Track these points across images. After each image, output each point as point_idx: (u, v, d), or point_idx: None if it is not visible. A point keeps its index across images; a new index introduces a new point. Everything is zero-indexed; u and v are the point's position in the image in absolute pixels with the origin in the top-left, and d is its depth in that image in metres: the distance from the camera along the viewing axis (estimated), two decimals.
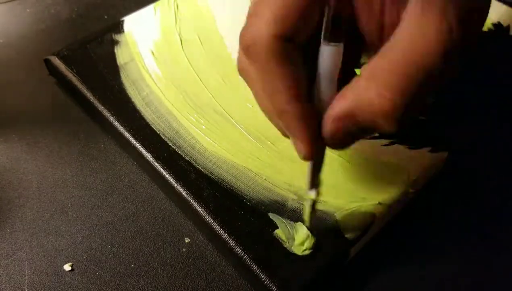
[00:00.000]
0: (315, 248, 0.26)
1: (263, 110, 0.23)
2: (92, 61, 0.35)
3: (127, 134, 0.31)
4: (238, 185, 0.28)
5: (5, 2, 0.44)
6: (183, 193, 0.28)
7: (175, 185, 0.28)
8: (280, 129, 0.24)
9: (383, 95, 0.18)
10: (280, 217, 0.27)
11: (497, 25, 0.39)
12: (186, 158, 0.30)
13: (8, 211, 0.30)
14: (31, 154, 0.33)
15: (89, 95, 0.33)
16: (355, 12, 0.21)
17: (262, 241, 0.26)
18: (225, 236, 0.26)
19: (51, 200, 0.30)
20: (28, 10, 0.44)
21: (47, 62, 0.36)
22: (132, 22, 0.38)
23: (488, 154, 0.34)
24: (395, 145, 0.31)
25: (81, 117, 0.35)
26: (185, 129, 0.31)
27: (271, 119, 0.23)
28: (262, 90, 0.22)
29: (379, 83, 0.19)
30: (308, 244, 0.25)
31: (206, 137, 0.31)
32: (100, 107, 0.32)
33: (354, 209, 0.27)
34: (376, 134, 0.31)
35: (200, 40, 0.37)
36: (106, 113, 0.32)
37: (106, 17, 0.43)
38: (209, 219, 0.27)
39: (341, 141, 0.22)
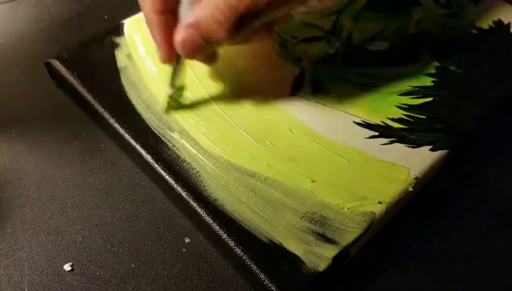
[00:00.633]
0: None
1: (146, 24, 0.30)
2: (92, 64, 0.35)
3: (127, 137, 0.31)
4: (238, 186, 0.28)
5: (5, 2, 0.44)
6: (183, 194, 0.28)
7: (175, 186, 0.28)
8: (154, 41, 0.30)
9: (219, 10, 0.25)
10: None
11: (498, 23, 0.38)
12: (186, 159, 0.30)
13: (8, 211, 0.30)
14: (31, 154, 0.33)
15: (89, 98, 0.33)
16: None
17: (262, 241, 0.26)
18: (224, 236, 0.26)
19: (51, 200, 0.30)
20: (28, 10, 0.44)
21: (48, 65, 0.36)
22: (133, 25, 0.38)
23: (488, 152, 0.34)
24: (395, 144, 0.30)
25: (81, 117, 0.35)
26: (184, 131, 0.31)
27: (150, 31, 0.30)
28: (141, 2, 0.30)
29: (216, 2, 0.26)
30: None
31: (206, 139, 0.31)
32: (101, 110, 0.32)
33: (354, 208, 0.27)
34: (376, 134, 0.31)
35: None
36: (107, 116, 0.32)
37: (106, 17, 0.43)
38: (209, 219, 0.27)
39: (188, 48, 0.28)
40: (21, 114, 0.35)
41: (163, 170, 0.29)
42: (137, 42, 0.37)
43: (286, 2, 0.27)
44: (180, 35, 0.27)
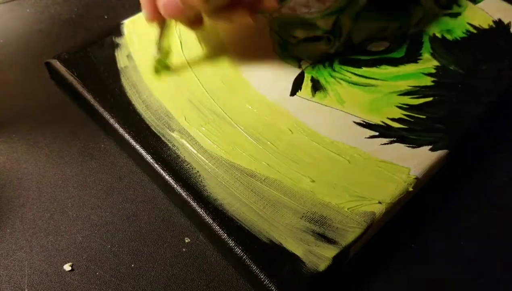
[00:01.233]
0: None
1: None
2: (92, 64, 0.35)
3: (127, 136, 0.31)
4: (238, 185, 0.28)
5: (5, 2, 0.44)
6: (183, 194, 0.28)
7: (175, 185, 0.28)
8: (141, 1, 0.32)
9: None
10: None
11: (498, 23, 0.38)
12: (186, 159, 0.30)
13: (8, 211, 0.30)
14: (31, 154, 0.33)
15: (89, 98, 0.33)
16: None
17: (262, 241, 0.26)
18: (224, 236, 0.26)
19: (51, 200, 0.30)
20: (28, 10, 0.44)
21: (48, 65, 0.36)
22: (133, 25, 0.38)
23: (488, 152, 0.34)
24: (395, 144, 0.30)
25: (81, 117, 0.35)
26: (184, 131, 0.31)
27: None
28: None
29: None
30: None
31: (206, 139, 0.31)
32: (101, 110, 0.32)
33: (354, 208, 0.27)
34: (376, 134, 0.31)
35: (199, 42, 0.37)
36: (107, 116, 0.32)
37: (106, 17, 0.43)
38: (209, 219, 0.27)
39: (169, 11, 0.31)
40: (21, 114, 0.35)
41: (163, 169, 0.29)
42: (137, 43, 0.37)
43: None
44: None
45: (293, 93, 0.33)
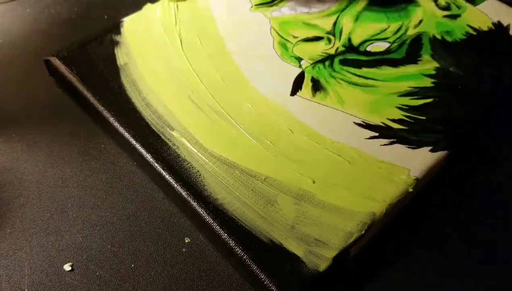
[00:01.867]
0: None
1: None
2: (92, 62, 0.35)
3: (127, 135, 0.31)
4: (238, 185, 0.28)
5: (5, 2, 0.44)
6: (183, 193, 0.28)
7: (175, 185, 0.28)
8: None
9: None
10: None
11: (497, 25, 0.39)
12: (186, 158, 0.30)
13: (8, 211, 0.30)
14: (31, 154, 0.33)
15: (89, 96, 0.33)
16: None
17: (262, 241, 0.26)
18: (225, 236, 0.26)
19: (51, 200, 0.30)
20: (28, 10, 0.44)
21: (48, 63, 0.36)
22: (132, 23, 0.38)
23: (488, 152, 0.34)
24: (395, 145, 0.31)
25: (81, 117, 0.35)
26: (185, 129, 0.31)
27: None
28: None
29: None
30: None
31: (206, 138, 0.31)
32: (100, 108, 0.32)
33: (354, 208, 0.27)
34: (376, 134, 0.31)
35: (200, 41, 0.37)
36: (106, 114, 0.32)
37: (106, 17, 0.43)
38: (209, 219, 0.27)
39: None
40: (21, 114, 0.35)
41: (163, 169, 0.29)
42: (137, 40, 0.37)
43: None
44: None
45: (293, 93, 0.34)
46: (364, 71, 0.35)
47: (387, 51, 0.37)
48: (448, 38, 0.38)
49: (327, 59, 0.36)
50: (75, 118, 0.35)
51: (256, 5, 0.40)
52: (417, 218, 0.30)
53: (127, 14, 0.39)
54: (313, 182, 0.29)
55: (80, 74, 0.34)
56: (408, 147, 0.30)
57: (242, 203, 0.28)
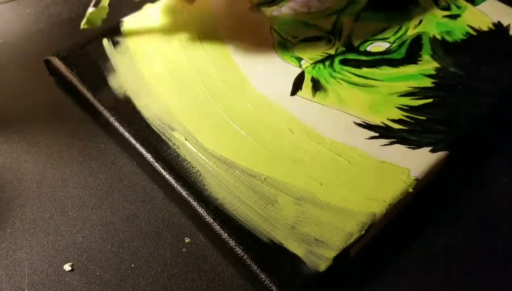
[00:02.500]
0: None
1: None
2: (92, 61, 0.35)
3: (127, 135, 0.31)
4: (238, 185, 0.28)
5: (5, 2, 0.44)
6: (183, 193, 0.28)
7: (175, 185, 0.28)
8: None
9: None
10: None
11: (497, 25, 0.39)
12: (186, 158, 0.30)
13: (8, 211, 0.30)
14: (31, 154, 0.33)
15: (89, 95, 0.33)
16: None
17: (263, 241, 0.26)
18: (225, 236, 0.26)
19: (51, 200, 0.30)
20: (28, 10, 0.44)
21: (47, 62, 0.36)
22: (132, 23, 0.38)
23: (488, 152, 0.34)
24: (395, 145, 0.31)
25: (81, 117, 0.35)
26: (185, 129, 0.31)
27: None
28: None
29: None
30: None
31: (206, 138, 0.31)
32: (100, 108, 0.32)
33: (354, 208, 0.27)
34: (376, 135, 0.31)
35: (200, 40, 0.37)
36: (106, 114, 0.32)
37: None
38: (209, 219, 0.27)
39: None
40: (21, 114, 0.35)
41: (163, 168, 0.29)
42: (137, 40, 0.37)
43: None
44: None
45: (293, 93, 0.34)
46: (364, 71, 0.35)
47: (387, 51, 0.37)
48: (448, 38, 0.38)
49: (327, 59, 0.36)
50: (75, 118, 0.35)
51: (256, 4, 0.40)
52: (418, 219, 0.30)
53: (126, 13, 0.39)
54: (313, 182, 0.29)
55: (80, 74, 0.34)
56: (408, 147, 0.30)
57: (242, 202, 0.28)
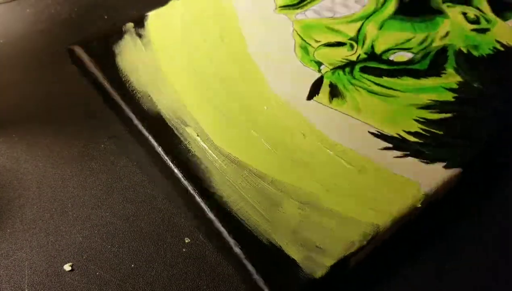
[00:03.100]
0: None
1: None
2: (113, 52, 0.35)
3: (140, 126, 0.31)
4: (244, 185, 0.28)
5: (5, 2, 0.44)
6: (189, 188, 0.28)
7: (182, 179, 0.28)
8: None
9: None
10: None
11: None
12: (196, 153, 0.30)
13: (8, 211, 0.30)
14: (31, 154, 0.33)
15: (108, 86, 0.33)
16: None
17: (262, 242, 0.26)
18: (225, 233, 0.26)
19: (51, 200, 0.30)
20: (28, 10, 0.44)
21: (71, 51, 0.35)
22: (156, 17, 0.38)
23: (504, 172, 0.33)
24: (409, 158, 0.30)
25: (81, 117, 0.35)
26: (198, 125, 0.31)
27: None
28: None
29: None
30: None
31: (218, 135, 0.30)
32: (119, 100, 0.32)
33: (358, 218, 0.27)
34: (390, 145, 0.31)
35: (221, 39, 0.36)
36: (124, 106, 0.32)
37: (106, 17, 0.43)
38: (211, 215, 0.27)
39: None
40: (21, 115, 0.35)
41: (171, 161, 0.29)
42: (159, 35, 0.36)
43: None
44: None
45: (310, 97, 0.33)
46: (385, 80, 0.34)
47: (410, 61, 0.36)
48: (475, 53, 0.36)
49: (348, 65, 0.35)
50: (75, 118, 0.35)
51: (280, 6, 0.40)
52: (425, 233, 0.30)
53: (127, 14, 0.39)
54: (320, 187, 0.28)
55: (101, 65, 0.34)
56: (422, 161, 0.30)
57: (246, 202, 0.28)
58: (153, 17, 0.38)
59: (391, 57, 0.36)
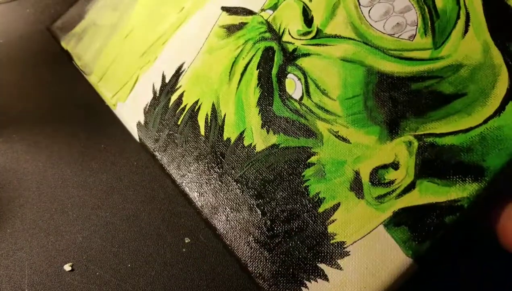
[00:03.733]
0: None
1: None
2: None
3: None
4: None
5: (5, 2, 0.44)
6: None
7: None
8: None
9: None
10: None
11: None
12: None
13: (8, 211, 0.30)
14: (31, 154, 0.33)
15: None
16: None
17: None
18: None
19: (51, 200, 0.30)
20: (28, 10, 0.44)
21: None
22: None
23: None
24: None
25: (81, 117, 0.35)
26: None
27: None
28: None
29: None
30: None
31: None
32: None
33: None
34: None
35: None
36: None
37: None
38: None
39: None
40: (21, 115, 0.35)
41: None
42: None
43: None
44: None
45: None
46: None
47: None
48: None
49: None
50: (75, 118, 0.35)
51: None
52: None
53: None
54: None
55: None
56: None
57: None
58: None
59: None
